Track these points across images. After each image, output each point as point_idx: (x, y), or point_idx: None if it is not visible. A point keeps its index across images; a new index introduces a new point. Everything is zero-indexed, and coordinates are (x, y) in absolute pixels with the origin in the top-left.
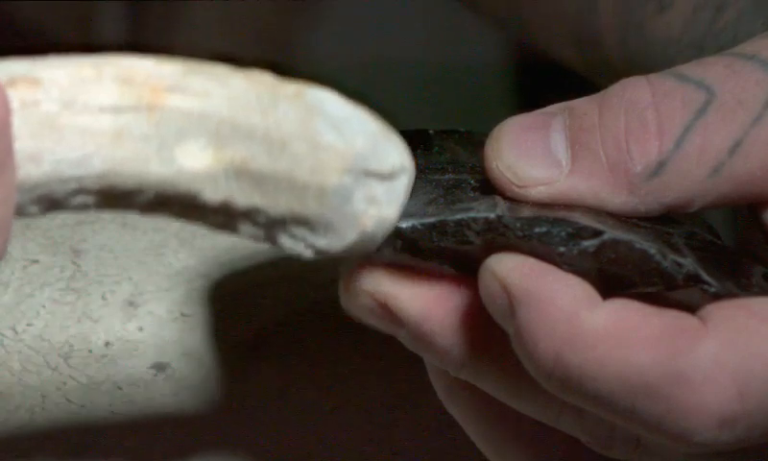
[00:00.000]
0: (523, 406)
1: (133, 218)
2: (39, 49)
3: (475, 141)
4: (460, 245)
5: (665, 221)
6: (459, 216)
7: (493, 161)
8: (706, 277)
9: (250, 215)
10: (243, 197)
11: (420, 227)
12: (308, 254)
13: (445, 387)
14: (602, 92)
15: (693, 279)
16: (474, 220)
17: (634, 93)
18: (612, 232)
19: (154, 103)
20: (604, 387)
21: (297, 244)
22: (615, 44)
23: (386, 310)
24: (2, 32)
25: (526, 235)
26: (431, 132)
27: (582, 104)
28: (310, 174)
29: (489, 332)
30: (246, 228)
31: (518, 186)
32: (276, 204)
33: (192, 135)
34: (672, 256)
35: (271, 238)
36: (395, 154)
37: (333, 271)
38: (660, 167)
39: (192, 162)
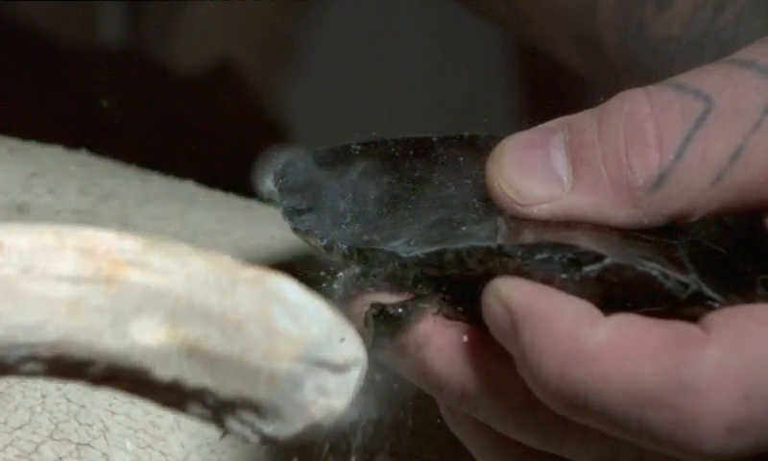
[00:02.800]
0: (526, 437)
1: (134, 218)
2: (39, 49)
3: (479, 146)
4: (461, 272)
5: (670, 231)
6: (460, 245)
7: (495, 181)
8: (710, 293)
9: (199, 396)
10: (194, 376)
11: (422, 256)
12: (255, 439)
13: (450, 410)
14: (600, 106)
15: (697, 297)
16: (475, 249)
17: (632, 106)
18: (614, 257)
19: (112, 276)
20: (610, 400)
21: (244, 428)
22: (615, 43)
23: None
24: (2, 32)
25: (527, 263)
26: (434, 138)
27: (581, 119)
28: (263, 358)
29: (488, 363)
30: (195, 408)
31: (521, 205)
32: (226, 386)
33: (148, 311)
34: (675, 276)
35: (218, 420)
36: (349, 346)
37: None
38: (661, 179)
39: (146, 338)
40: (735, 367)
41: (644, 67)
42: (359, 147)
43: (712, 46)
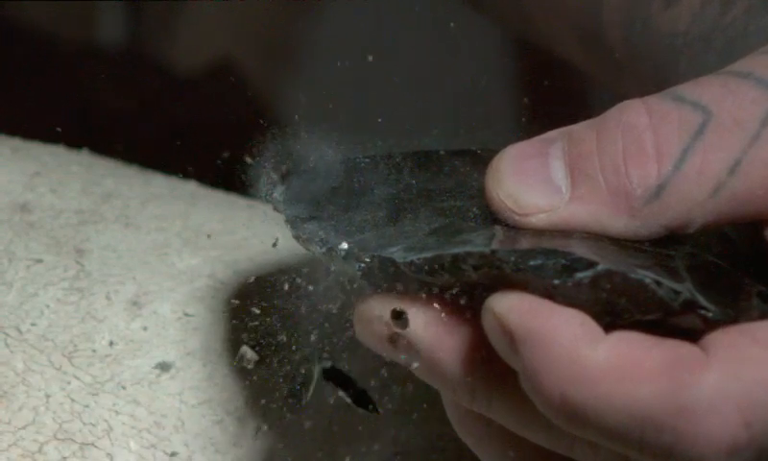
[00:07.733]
0: (537, 437)
1: (137, 218)
2: (40, 49)
3: (485, 160)
4: (457, 277)
5: (669, 242)
6: (455, 250)
7: (494, 190)
8: (703, 302)
9: None
10: None
11: (417, 261)
12: None
13: (460, 418)
14: (599, 117)
15: (690, 306)
16: (470, 254)
17: (630, 116)
18: (607, 263)
19: None
20: (611, 421)
21: None
22: (620, 40)
23: (399, 338)
24: (2, 32)
25: (520, 269)
26: (442, 152)
27: (579, 129)
28: None
29: (499, 361)
30: None
31: (519, 215)
32: None
33: None
34: (668, 284)
35: None
36: None
37: (336, 271)
38: (659, 190)
39: None
40: (736, 391)
41: (649, 63)
42: (366, 159)
43: (720, 42)
